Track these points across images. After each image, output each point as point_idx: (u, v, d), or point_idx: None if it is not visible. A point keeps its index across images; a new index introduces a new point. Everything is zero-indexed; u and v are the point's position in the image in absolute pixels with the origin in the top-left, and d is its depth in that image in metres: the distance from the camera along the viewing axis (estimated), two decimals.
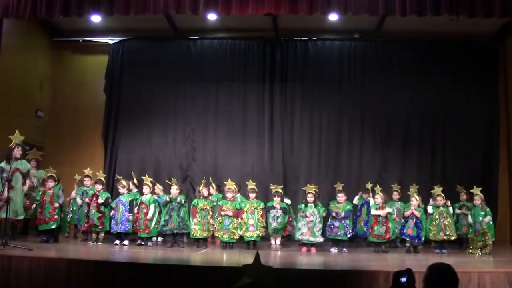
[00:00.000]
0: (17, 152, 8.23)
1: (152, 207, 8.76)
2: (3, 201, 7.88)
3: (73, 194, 9.50)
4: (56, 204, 8.56)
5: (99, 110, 11.47)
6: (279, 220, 8.63)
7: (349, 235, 8.61)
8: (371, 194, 9.30)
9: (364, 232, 9.06)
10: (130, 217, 8.67)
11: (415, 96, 11.06)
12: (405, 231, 8.56)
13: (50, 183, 8.74)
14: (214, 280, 5.51)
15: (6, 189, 7.78)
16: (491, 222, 8.63)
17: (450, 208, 8.62)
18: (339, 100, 11.18)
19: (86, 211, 8.82)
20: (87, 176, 9.21)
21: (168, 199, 8.70)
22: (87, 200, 8.84)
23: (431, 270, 3.21)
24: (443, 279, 3.15)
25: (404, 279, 3.19)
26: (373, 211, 8.56)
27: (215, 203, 8.95)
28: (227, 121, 11.25)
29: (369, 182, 9.57)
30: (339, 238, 8.49)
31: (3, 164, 8.18)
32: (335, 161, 10.98)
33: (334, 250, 8.41)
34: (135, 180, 9.49)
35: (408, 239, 8.52)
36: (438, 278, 3.16)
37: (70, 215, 9.45)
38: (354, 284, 5.63)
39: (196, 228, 8.60)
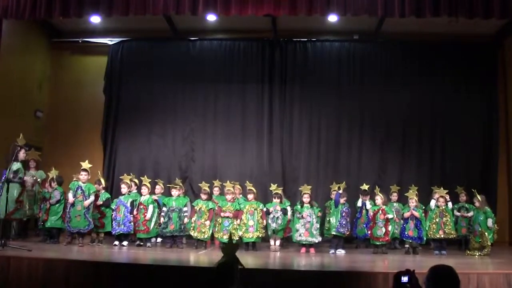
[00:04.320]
0: (22, 155, 8.50)
1: (150, 207, 8.77)
2: (20, 203, 8.42)
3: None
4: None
5: (98, 111, 11.46)
6: (279, 221, 8.64)
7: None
8: (368, 196, 9.33)
9: (365, 234, 9.04)
10: (132, 217, 8.66)
11: (414, 97, 11.05)
12: (406, 233, 8.55)
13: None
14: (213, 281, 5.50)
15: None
16: (490, 224, 8.63)
17: (450, 204, 8.60)
18: (338, 101, 11.17)
19: (84, 211, 8.39)
20: (84, 170, 8.52)
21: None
22: (90, 201, 8.44)
23: (433, 272, 3.21)
24: (445, 281, 3.16)
25: (405, 279, 3.19)
26: (388, 216, 8.57)
27: (216, 205, 8.95)
28: (226, 122, 11.24)
29: (364, 184, 9.59)
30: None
31: (16, 166, 8.37)
32: (334, 162, 10.97)
33: (333, 251, 8.41)
34: (137, 181, 9.42)
35: (409, 240, 8.52)
36: (440, 280, 3.16)
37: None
38: (353, 285, 5.64)
39: (192, 228, 8.64)
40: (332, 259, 7.87)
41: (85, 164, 8.62)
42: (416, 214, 8.50)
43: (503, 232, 10.28)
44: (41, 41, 11.43)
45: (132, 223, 8.63)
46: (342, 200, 8.70)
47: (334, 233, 8.55)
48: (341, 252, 8.38)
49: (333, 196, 9.15)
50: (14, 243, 7.39)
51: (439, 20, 8.74)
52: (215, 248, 8.79)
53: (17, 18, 8.90)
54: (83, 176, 8.51)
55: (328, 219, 9.02)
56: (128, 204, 8.73)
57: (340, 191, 8.77)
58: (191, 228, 8.68)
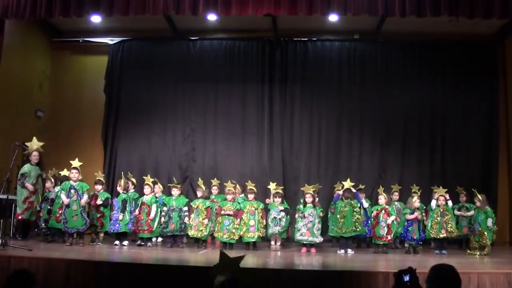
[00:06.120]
0: (35, 158, 8.68)
1: (154, 207, 8.77)
2: (30, 204, 8.52)
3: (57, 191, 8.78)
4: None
5: (98, 111, 11.47)
6: (282, 222, 8.62)
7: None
8: (364, 195, 9.36)
9: (366, 233, 9.02)
10: (120, 216, 8.64)
11: (414, 97, 11.06)
12: (409, 235, 8.51)
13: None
14: (212, 281, 5.50)
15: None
16: (489, 224, 8.63)
17: (450, 202, 8.58)
18: (338, 100, 11.18)
19: (81, 209, 8.29)
20: (75, 168, 8.43)
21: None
22: (85, 199, 8.37)
23: (434, 271, 3.21)
24: (446, 280, 3.15)
25: (407, 278, 3.19)
26: (389, 220, 8.52)
27: (213, 204, 8.95)
28: (226, 122, 11.24)
29: (360, 185, 9.66)
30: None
31: (26, 169, 8.54)
32: (334, 162, 10.97)
33: (341, 251, 8.40)
34: (134, 180, 9.41)
35: (412, 242, 8.49)
36: (441, 279, 3.16)
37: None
38: (353, 285, 5.63)
39: (190, 227, 8.66)
40: (333, 258, 7.86)
41: (75, 163, 8.54)
42: (419, 217, 8.54)
43: (503, 232, 10.28)
44: (41, 40, 11.42)
45: (120, 221, 8.62)
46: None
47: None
48: (350, 252, 8.33)
49: (341, 192, 9.08)
50: (15, 243, 7.39)
51: (440, 19, 8.74)
52: (215, 248, 8.79)
53: (18, 18, 8.91)
54: (74, 174, 8.44)
55: (357, 217, 8.68)
56: (120, 203, 8.76)
57: (341, 190, 8.75)
58: (189, 227, 8.68)
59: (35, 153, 8.68)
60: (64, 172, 8.86)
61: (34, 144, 8.69)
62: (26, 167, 8.61)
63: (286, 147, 11.10)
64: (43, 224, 8.77)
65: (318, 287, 5.66)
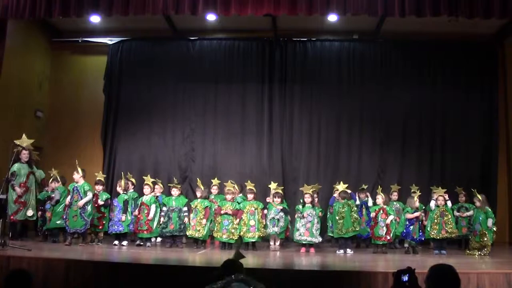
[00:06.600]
0: (24, 156, 8.61)
1: (153, 207, 8.76)
2: (22, 204, 8.47)
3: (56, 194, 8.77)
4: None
5: (98, 111, 11.46)
6: (280, 223, 8.62)
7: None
8: (368, 194, 9.35)
9: (367, 233, 9.01)
10: (123, 217, 8.65)
11: (414, 97, 11.06)
12: (410, 235, 8.51)
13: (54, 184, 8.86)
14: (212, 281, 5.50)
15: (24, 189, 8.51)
16: (489, 224, 8.63)
17: (449, 202, 8.58)
18: (338, 100, 11.17)
19: (80, 210, 8.29)
20: (76, 170, 8.57)
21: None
22: (84, 200, 8.34)
23: (433, 271, 3.21)
24: (445, 280, 3.16)
25: (405, 278, 3.19)
26: (388, 220, 8.50)
27: (212, 204, 8.95)
28: (226, 122, 11.23)
29: (363, 185, 9.66)
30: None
31: (16, 167, 8.45)
32: (334, 162, 10.96)
33: (340, 251, 8.40)
34: (133, 180, 9.41)
35: (413, 242, 8.49)
36: (440, 279, 3.16)
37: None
38: (353, 285, 5.64)
39: (190, 227, 8.67)
40: (332, 258, 7.86)
41: (76, 164, 8.65)
42: (420, 217, 8.55)
43: (503, 232, 10.27)
44: (41, 41, 11.41)
45: (123, 222, 8.63)
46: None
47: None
48: (350, 252, 8.34)
49: (336, 195, 9.10)
50: (14, 243, 7.39)
51: (439, 19, 8.74)
52: (214, 248, 8.79)
53: (17, 18, 8.91)
54: (74, 175, 8.56)
55: (355, 217, 8.63)
56: (121, 204, 8.76)
57: (346, 192, 8.75)
58: (188, 227, 8.69)
59: (24, 151, 8.61)
60: (55, 172, 8.91)
61: (24, 141, 8.62)
62: (15, 166, 8.52)
63: (286, 147, 11.10)
64: (49, 224, 8.73)
65: (318, 287, 5.67)
